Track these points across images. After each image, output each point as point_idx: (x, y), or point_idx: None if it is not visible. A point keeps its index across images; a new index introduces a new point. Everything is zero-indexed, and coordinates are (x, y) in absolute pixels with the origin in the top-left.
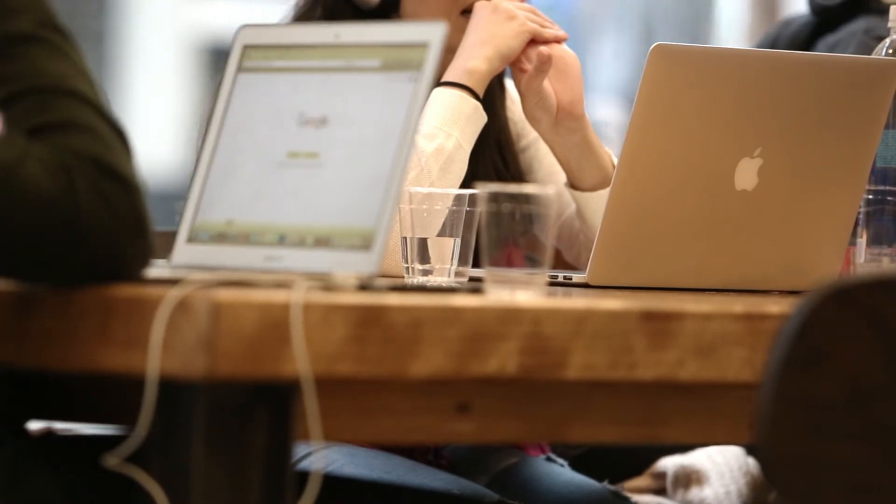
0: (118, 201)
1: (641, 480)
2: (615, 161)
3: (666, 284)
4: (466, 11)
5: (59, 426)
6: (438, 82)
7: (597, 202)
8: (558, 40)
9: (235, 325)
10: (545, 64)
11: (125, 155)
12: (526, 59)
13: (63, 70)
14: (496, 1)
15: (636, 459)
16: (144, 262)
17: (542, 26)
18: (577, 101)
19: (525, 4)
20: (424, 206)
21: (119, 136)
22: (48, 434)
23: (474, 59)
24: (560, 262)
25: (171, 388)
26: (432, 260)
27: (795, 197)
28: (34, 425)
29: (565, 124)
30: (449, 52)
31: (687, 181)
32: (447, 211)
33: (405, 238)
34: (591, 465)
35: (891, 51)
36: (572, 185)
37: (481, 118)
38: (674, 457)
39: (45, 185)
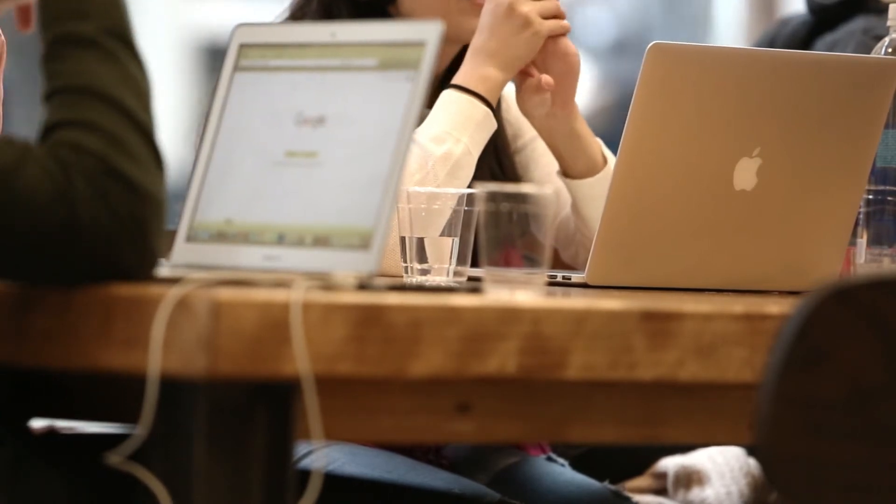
0: (118, 204)
1: (642, 480)
2: (605, 150)
3: (665, 284)
4: None
5: (61, 425)
6: (450, 83)
7: (587, 190)
8: (565, 32)
9: (235, 324)
10: (549, 88)
11: (145, 164)
12: (535, 66)
13: (106, 75)
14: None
15: (637, 459)
16: (144, 267)
17: (556, 16)
18: (570, 99)
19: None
20: (423, 206)
21: (148, 149)
22: (50, 432)
23: (489, 67)
24: (557, 262)
25: (172, 387)
26: (430, 260)
27: (795, 197)
28: (36, 424)
29: (557, 117)
30: (448, 42)
31: (685, 181)
32: (450, 211)
33: (404, 238)
34: (591, 465)
35: (890, 50)
36: (564, 172)
37: (491, 125)
38: (674, 457)
39: (42, 189)
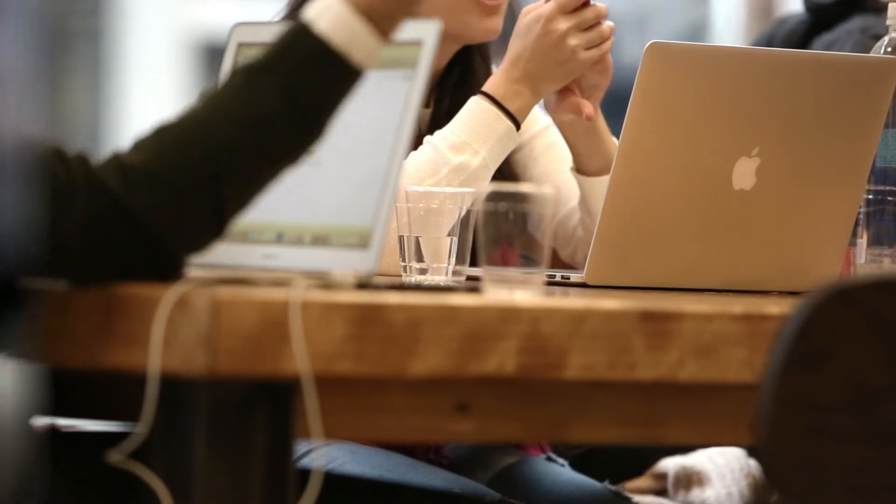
0: (117, 247)
1: (642, 481)
2: None
3: (664, 284)
4: None
5: (62, 423)
6: (481, 90)
7: (599, 188)
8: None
9: (235, 322)
10: (588, 119)
11: (185, 228)
12: (576, 87)
13: (239, 136)
14: (561, 31)
15: (637, 460)
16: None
17: (602, 39)
18: (596, 107)
19: (587, 14)
20: (422, 206)
21: (209, 221)
22: (51, 430)
23: (524, 86)
24: (555, 261)
25: (173, 385)
26: (429, 259)
27: (794, 197)
28: (37, 422)
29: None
30: (451, 40)
31: (684, 181)
32: (453, 212)
33: (402, 237)
34: (591, 465)
35: (890, 49)
36: (577, 168)
37: (513, 142)
38: (674, 457)
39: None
